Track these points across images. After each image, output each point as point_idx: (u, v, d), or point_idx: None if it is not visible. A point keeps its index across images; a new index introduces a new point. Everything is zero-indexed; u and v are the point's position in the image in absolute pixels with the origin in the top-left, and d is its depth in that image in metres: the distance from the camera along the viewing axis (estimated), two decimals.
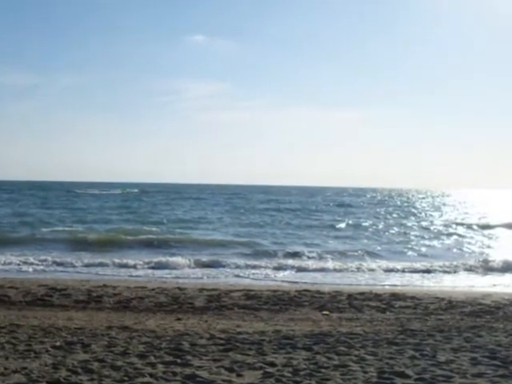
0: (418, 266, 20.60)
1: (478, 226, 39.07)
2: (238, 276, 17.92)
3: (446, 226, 39.19)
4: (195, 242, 25.39)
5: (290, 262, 20.44)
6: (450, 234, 33.58)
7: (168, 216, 40.21)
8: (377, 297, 12.68)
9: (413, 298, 12.63)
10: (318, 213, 48.66)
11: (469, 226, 38.21)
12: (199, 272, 18.51)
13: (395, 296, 12.81)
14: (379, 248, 25.71)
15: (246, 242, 25.94)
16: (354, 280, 17.51)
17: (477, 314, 10.79)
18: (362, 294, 13.06)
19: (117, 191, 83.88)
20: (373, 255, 23.27)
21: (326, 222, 38.54)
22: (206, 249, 23.48)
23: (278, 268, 19.40)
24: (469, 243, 29.45)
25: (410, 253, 25.20)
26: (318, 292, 13.21)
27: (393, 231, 34.13)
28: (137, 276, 17.12)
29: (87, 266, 18.69)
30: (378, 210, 56.16)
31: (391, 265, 20.59)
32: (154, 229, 30.03)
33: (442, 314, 10.84)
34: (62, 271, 17.85)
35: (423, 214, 53.31)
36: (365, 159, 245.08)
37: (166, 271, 18.36)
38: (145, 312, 10.50)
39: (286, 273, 18.76)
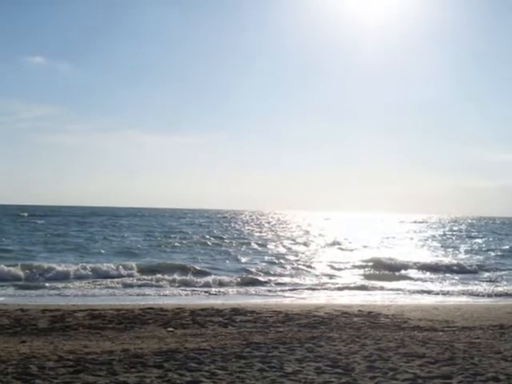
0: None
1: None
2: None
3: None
4: None
5: None
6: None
7: None
8: (218, 312, 13.28)
9: (252, 312, 13.41)
10: None
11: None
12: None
13: (236, 311, 13.50)
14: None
15: None
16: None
17: (312, 326, 11.77)
18: (204, 310, 13.62)
19: None
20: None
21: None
22: None
23: None
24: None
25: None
26: (162, 309, 13.58)
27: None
28: None
29: None
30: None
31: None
32: None
33: (280, 326, 11.67)
34: None
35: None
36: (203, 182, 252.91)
37: None
38: None
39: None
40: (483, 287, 23.30)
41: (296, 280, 24.23)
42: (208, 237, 47.63)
